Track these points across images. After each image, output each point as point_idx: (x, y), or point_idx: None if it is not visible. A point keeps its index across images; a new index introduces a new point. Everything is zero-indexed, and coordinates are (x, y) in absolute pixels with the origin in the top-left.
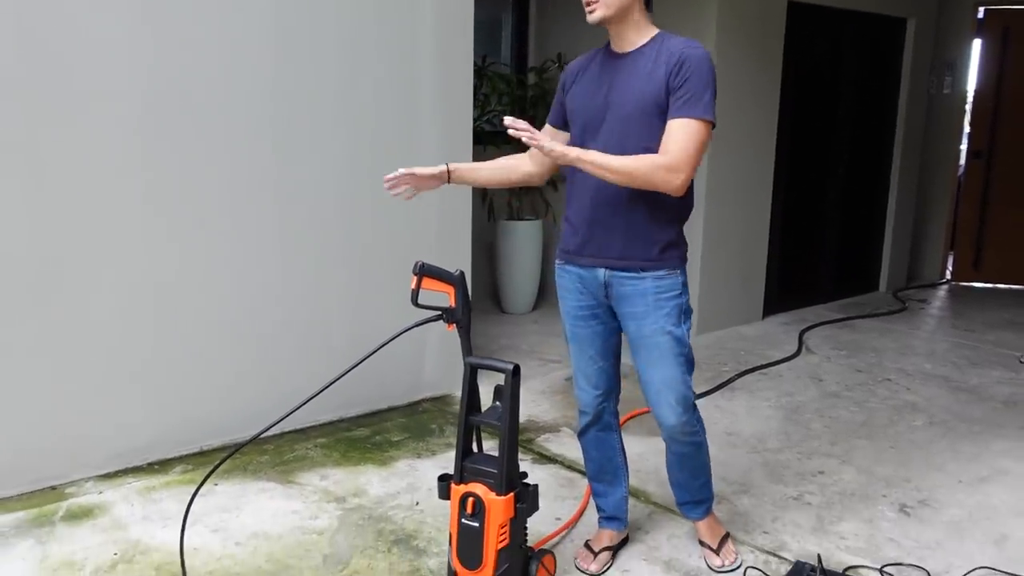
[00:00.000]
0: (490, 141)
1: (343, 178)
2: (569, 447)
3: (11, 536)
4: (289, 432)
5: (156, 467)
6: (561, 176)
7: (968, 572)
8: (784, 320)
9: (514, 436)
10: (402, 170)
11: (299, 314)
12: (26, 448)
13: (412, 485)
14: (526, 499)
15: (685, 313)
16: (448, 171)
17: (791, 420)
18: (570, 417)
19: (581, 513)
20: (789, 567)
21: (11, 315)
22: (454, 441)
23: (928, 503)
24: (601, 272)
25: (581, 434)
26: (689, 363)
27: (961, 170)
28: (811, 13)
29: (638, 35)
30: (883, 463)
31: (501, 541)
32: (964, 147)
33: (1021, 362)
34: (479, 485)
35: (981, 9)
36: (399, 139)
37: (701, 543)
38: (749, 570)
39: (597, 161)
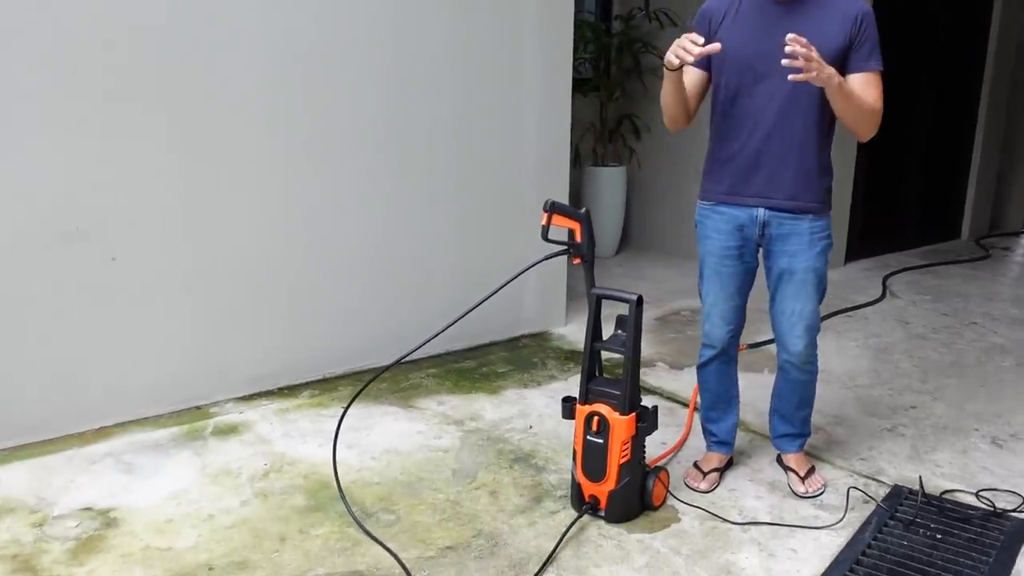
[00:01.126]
0: (576, 88)
1: (453, 127)
2: (666, 380)
3: (170, 448)
4: (403, 363)
5: (286, 391)
6: (648, 124)
7: None
8: (866, 266)
9: (636, 361)
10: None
11: (410, 253)
12: (175, 371)
13: (523, 412)
14: (646, 419)
15: (829, 251)
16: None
17: (880, 359)
18: (664, 353)
19: (685, 439)
20: (887, 490)
21: (165, 252)
22: (555, 373)
23: (1019, 437)
24: (761, 212)
25: (703, 367)
26: (823, 297)
27: None
28: None
29: None
30: (974, 400)
31: (623, 456)
32: None
33: None
34: (603, 405)
35: None
36: (504, 86)
37: (788, 469)
38: (851, 489)
39: (855, 92)
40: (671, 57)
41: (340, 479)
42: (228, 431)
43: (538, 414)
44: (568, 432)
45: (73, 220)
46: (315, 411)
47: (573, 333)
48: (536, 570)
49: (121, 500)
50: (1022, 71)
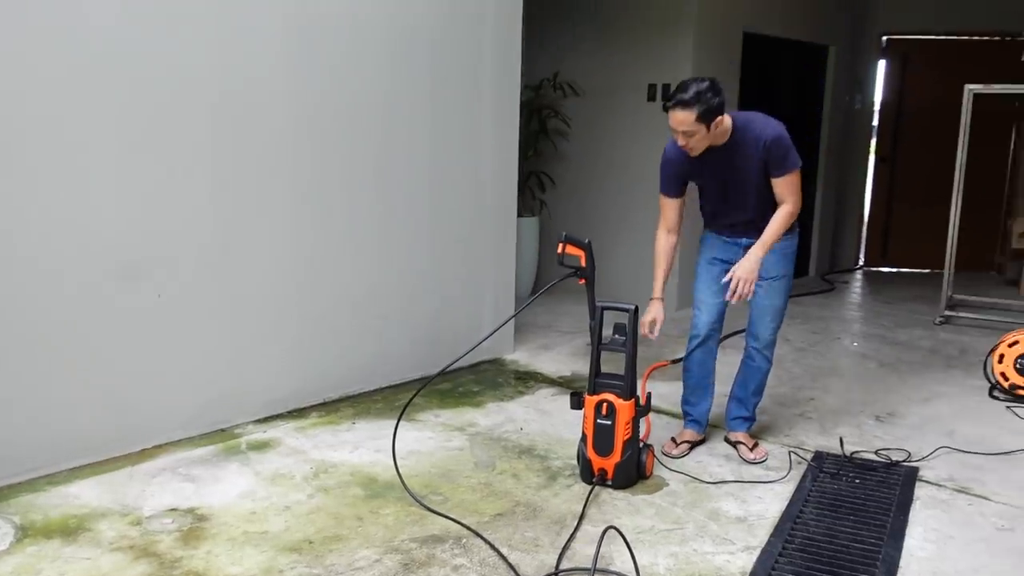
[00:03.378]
0: None
1: (428, 184)
2: None
3: (218, 461)
4: (386, 388)
5: (295, 413)
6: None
7: (934, 450)
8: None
9: (634, 357)
10: (658, 326)
11: (395, 289)
12: (204, 397)
13: (509, 418)
14: (642, 403)
15: (793, 263)
16: (663, 297)
17: (778, 367)
18: None
19: (648, 431)
20: (812, 454)
21: (198, 289)
22: (522, 390)
23: (894, 415)
24: (744, 240)
25: (688, 355)
26: (787, 298)
27: (871, 172)
28: (759, 41)
29: (725, 135)
30: (854, 391)
31: (626, 434)
32: (873, 153)
33: (935, 324)
34: (609, 394)
35: (884, 38)
36: (466, 151)
37: (738, 443)
38: (790, 452)
39: (772, 239)
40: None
41: (385, 474)
42: (262, 446)
43: (523, 419)
44: (553, 429)
45: (127, 258)
46: (330, 427)
47: (523, 358)
48: (574, 524)
49: (199, 501)
50: (849, 133)
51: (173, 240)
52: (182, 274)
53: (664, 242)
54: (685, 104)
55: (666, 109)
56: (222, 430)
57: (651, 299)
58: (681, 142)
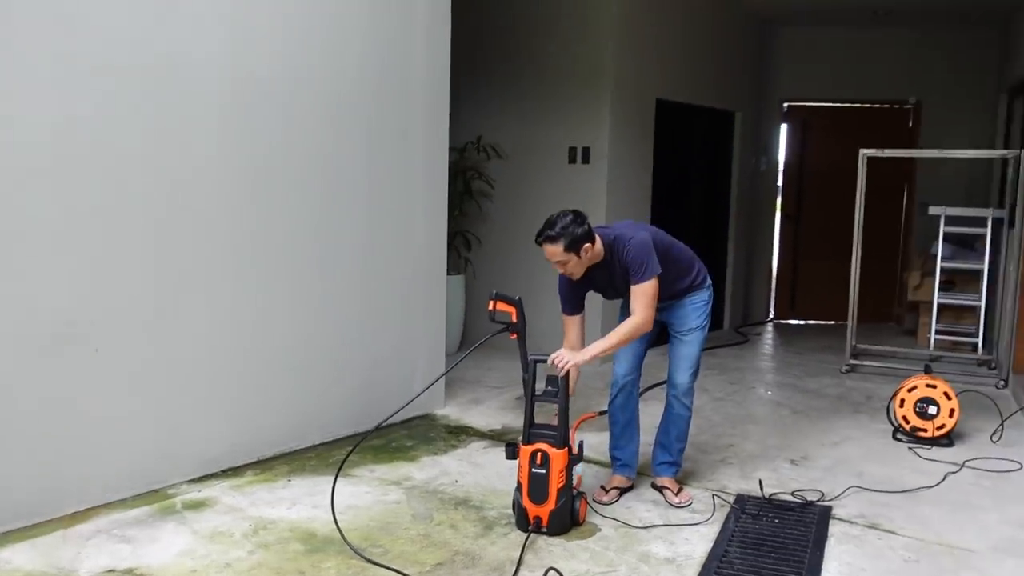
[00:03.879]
0: None
1: (361, 247)
2: None
3: (154, 521)
4: (320, 445)
5: (230, 472)
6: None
7: (845, 489)
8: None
9: (566, 408)
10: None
11: (327, 349)
12: (137, 458)
13: (443, 471)
14: (574, 451)
15: (708, 315)
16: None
17: (698, 416)
18: None
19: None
20: (734, 497)
21: (134, 348)
22: (454, 443)
23: (807, 458)
24: (659, 303)
25: (612, 402)
26: (702, 347)
27: (777, 230)
28: (671, 107)
29: (598, 255)
30: (770, 437)
31: (560, 482)
32: (779, 211)
33: (842, 372)
34: (543, 444)
35: (785, 104)
36: (400, 215)
37: (664, 488)
38: (713, 495)
39: (613, 344)
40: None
41: (323, 530)
42: (198, 505)
43: (457, 472)
44: (487, 480)
45: (63, 320)
46: (266, 485)
47: (454, 412)
48: (513, 570)
49: (137, 561)
50: (757, 193)
51: (110, 302)
52: (116, 335)
53: (575, 335)
54: (552, 239)
55: (538, 244)
56: (156, 491)
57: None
58: (559, 270)
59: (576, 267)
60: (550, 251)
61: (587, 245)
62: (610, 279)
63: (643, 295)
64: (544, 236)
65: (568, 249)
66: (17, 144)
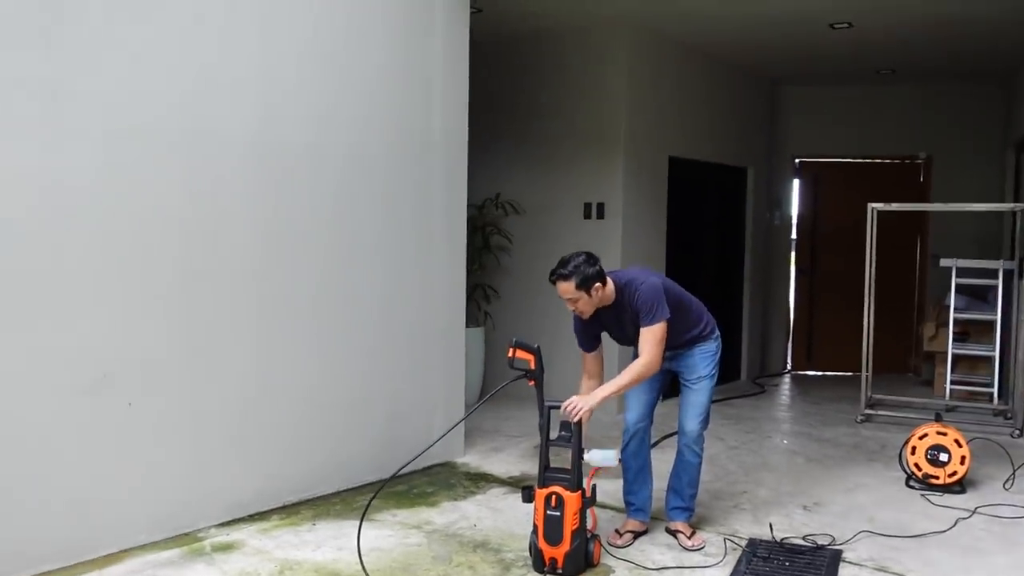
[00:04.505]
0: None
1: (382, 297)
2: None
3: (184, 563)
4: (343, 491)
5: (257, 517)
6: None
7: (856, 534)
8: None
9: (579, 452)
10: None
11: (349, 396)
12: (167, 503)
13: (463, 516)
14: (588, 494)
15: (716, 364)
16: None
17: (713, 464)
18: None
19: (595, 524)
20: (746, 541)
21: (166, 398)
22: (474, 490)
23: (820, 504)
24: (666, 351)
25: (624, 449)
26: (711, 395)
27: (792, 282)
28: (684, 164)
29: (609, 297)
30: (784, 484)
31: (574, 524)
32: (793, 264)
33: (857, 422)
34: (557, 487)
35: (797, 160)
36: (418, 267)
37: (677, 532)
38: (725, 539)
39: (623, 385)
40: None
41: (348, 571)
42: (226, 548)
43: (476, 516)
44: (505, 525)
45: (98, 371)
46: (292, 528)
47: (474, 460)
48: None
49: None
50: (771, 247)
51: (144, 351)
52: (150, 384)
53: (585, 388)
54: (564, 277)
55: (551, 281)
56: (186, 534)
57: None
58: (570, 307)
59: (586, 305)
60: (562, 288)
61: (598, 285)
62: (619, 321)
63: (652, 337)
64: (557, 274)
65: (579, 287)
66: (63, 196)
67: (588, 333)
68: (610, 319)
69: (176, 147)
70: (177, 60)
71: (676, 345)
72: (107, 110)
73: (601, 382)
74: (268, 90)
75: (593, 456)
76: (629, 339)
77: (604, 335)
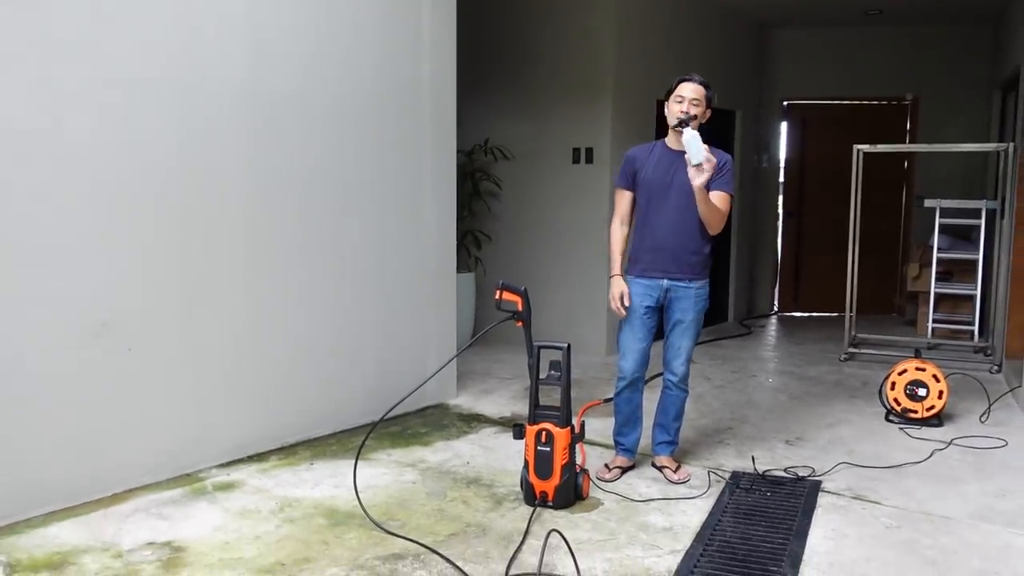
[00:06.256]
0: None
1: (374, 244)
2: None
3: (187, 501)
4: (339, 432)
5: (255, 458)
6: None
7: (835, 465)
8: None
9: (568, 389)
10: (626, 298)
11: (344, 340)
12: (169, 444)
13: (456, 455)
14: (577, 430)
15: (706, 307)
16: (621, 274)
17: (699, 402)
18: None
19: (584, 459)
20: (729, 474)
21: (164, 343)
22: (466, 430)
23: (802, 439)
24: (664, 282)
25: (617, 395)
26: (698, 336)
27: (780, 225)
28: None
29: (704, 118)
30: (767, 421)
31: (564, 459)
32: (780, 207)
33: (840, 361)
34: (547, 423)
35: (785, 102)
36: (410, 214)
37: (664, 467)
38: (709, 471)
39: (712, 201)
40: (616, 307)
41: (345, 507)
42: (227, 487)
43: (469, 455)
44: (497, 462)
45: (99, 316)
46: (290, 469)
47: (466, 402)
48: (520, 539)
49: (174, 535)
50: (759, 190)
51: (142, 298)
52: (149, 330)
53: (618, 232)
54: (704, 84)
55: (683, 80)
56: (188, 474)
57: (612, 277)
58: (685, 107)
59: (700, 114)
60: (696, 89)
61: (709, 111)
62: (684, 171)
63: (727, 204)
64: (695, 78)
65: (707, 98)
66: (60, 147)
67: (638, 171)
68: (678, 164)
69: (167, 96)
70: (168, 7)
71: (680, 267)
72: (100, 60)
73: (630, 229)
74: (257, 37)
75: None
76: (666, 197)
77: (607, 314)
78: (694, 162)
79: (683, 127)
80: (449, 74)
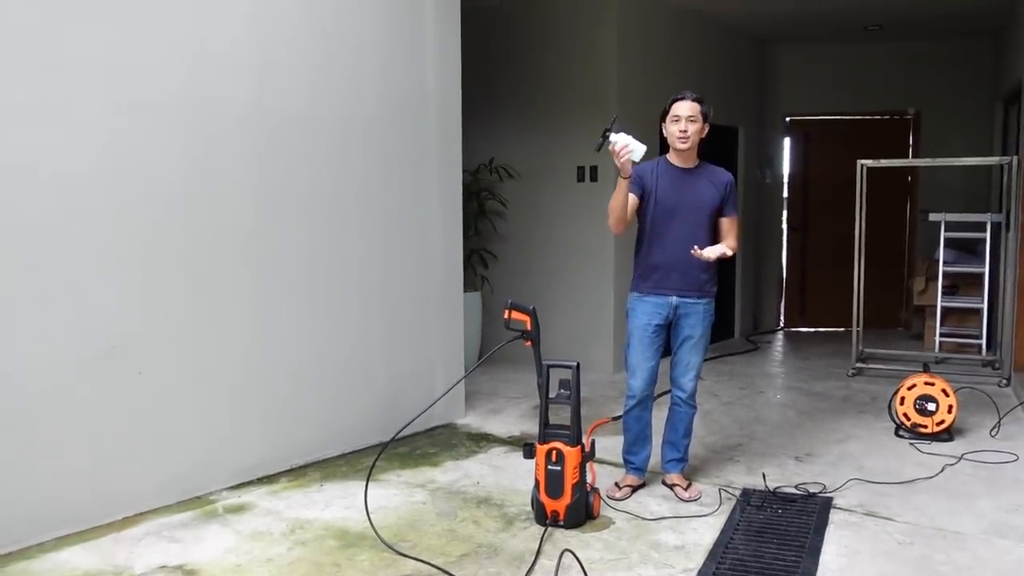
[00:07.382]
0: None
1: (382, 266)
2: None
3: (197, 524)
4: (348, 453)
5: (265, 480)
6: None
7: (846, 482)
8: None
9: (578, 408)
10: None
11: (352, 362)
12: (179, 467)
13: (465, 474)
14: (587, 449)
15: (712, 324)
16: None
17: (708, 419)
18: None
19: (594, 478)
20: (740, 491)
21: (173, 367)
22: (475, 449)
23: (812, 455)
24: (674, 299)
25: (627, 413)
26: (705, 353)
27: (785, 240)
28: None
29: (694, 157)
30: (776, 437)
31: (574, 478)
32: (785, 223)
33: (848, 376)
34: (558, 442)
35: (787, 118)
36: (416, 233)
37: (674, 485)
38: (720, 489)
39: (724, 252)
40: (622, 165)
41: (356, 528)
42: (238, 509)
43: (479, 474)
44: (507, 481)
45: (109, 340)
46: (301, 490)
47: (474, 421)
48: (532, 559)
49: (186, 558)
50: (763, 205)
51: (151, 322)
52: (158, 353)
53: (615, 211)
54: (698, 100)
55: (679, 99)
56: (198, 497)
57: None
58: (682, 127)
59: (695, 135)
60: (691, 107)
61: (706, 127)
62: (691, 189)
63: (736, 229)
64: (690, 95)
65: (702, 114)
66: (70, 175)
67: (643, 182)
68: (683, 183)
69: (174, 121)
70: (174, 33)
71: (689, 284)
72: (107, 86)
73: (628, 225)
74: (263, 54)
75: (621, 139)
76: (673, 215)
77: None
78: (636, 158)
79: (606, 136)
80: (454, 93)
